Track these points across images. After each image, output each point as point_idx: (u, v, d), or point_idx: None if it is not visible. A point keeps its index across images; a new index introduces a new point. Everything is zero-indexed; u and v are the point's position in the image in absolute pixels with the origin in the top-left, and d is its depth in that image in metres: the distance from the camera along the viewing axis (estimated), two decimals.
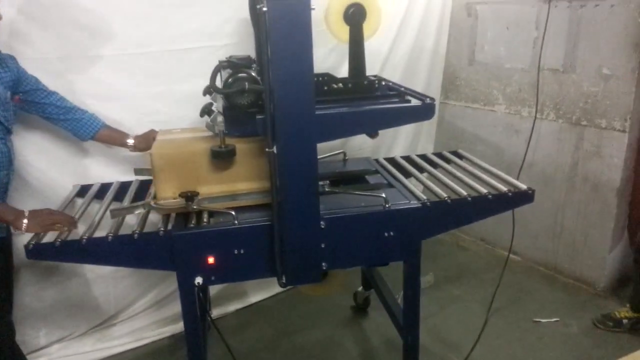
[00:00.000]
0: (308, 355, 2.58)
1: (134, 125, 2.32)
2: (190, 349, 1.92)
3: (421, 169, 2.43)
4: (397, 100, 1.98)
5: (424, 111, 1.89)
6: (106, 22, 2.27)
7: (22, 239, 1.86)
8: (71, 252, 1.79)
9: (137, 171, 2.25)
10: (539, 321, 2.73)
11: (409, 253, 1.97)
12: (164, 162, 1.82)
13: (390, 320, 2.35)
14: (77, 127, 2.17)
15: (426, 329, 2.55)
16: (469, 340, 2.52)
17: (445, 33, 3.46)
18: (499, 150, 3.33)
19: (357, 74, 2.08)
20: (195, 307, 1.86)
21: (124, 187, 2.24)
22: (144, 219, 1.92)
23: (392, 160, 2.50)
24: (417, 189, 2.12)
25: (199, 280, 1.80)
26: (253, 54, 2.11)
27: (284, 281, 1.86)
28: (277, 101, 1.64)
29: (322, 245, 1.85)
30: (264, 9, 1.56)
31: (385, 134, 3.28)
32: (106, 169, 2.43)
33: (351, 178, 2.28)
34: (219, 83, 1.81)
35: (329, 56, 2.84)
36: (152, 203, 1.88)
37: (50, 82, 2.13)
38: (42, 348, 2.51)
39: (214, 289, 2.76)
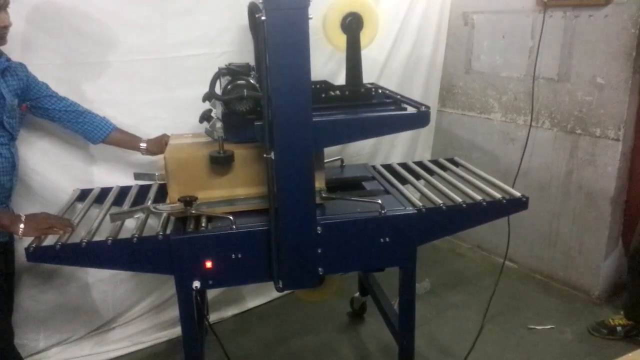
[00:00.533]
0: None
1: (133, 131, 2.32)
2: (188, 353, 1.94)
3: (418, 176, 2.46)
4: (393, 107, 2.01)
5: (420, 119, 1.92)
6: (108, 30, 2.30)
7: (24, 244, 1.88)
8: (71, 255, 1.80)
9: (137, 176, 2.27)
10: (534, 328, 2.74)
11: (405, 259, 1.99)
12: (177, 167, 1.85)
13: (386, 326, 2.37)
14: (88, 130, 2.19)
15: (422, 335, 2.57)
16: (464, 347, 2.54)
17: (442, 42, 3.50)
18: (495, 158, 3.36)
19: (354, 81, 2.11)
20: (192, 311, 1.88)
21: (123, 191, 2.26)
22: (144, 223, 1.94)
23: (389, 167, 2.53)
24: (414, 196, 2.14)
25: (196, 284, 1.82)
26: (252, 62, 2.14)
27: (280, 286, 1.88)
28: (275, 108, 1.67)
29: (319, 251, 1.87)
30: (263, 18, 1.59)
31: (383, 141, 3.33)
32: (109, 173, 2.45)
33: (348, 184, 2.30)
34: (218, 90, 1.84)
35: (327, 64, 2.88)
36: (151, 207, 1.91)
37: (52, 88, 2.15)
38: (40, 351, 2.52)
39: (211, 294, 2.77)
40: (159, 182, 2.24)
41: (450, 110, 3.63)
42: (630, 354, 1.30)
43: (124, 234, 1.88)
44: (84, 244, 1.78)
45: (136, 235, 1.82)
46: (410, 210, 1.97)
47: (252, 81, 1.81)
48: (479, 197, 2.08)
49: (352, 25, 2.04)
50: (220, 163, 1.85)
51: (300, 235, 1.82)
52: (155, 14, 2.39)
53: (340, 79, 2.64)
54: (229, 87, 1.79)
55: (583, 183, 2.92)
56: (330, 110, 1.90)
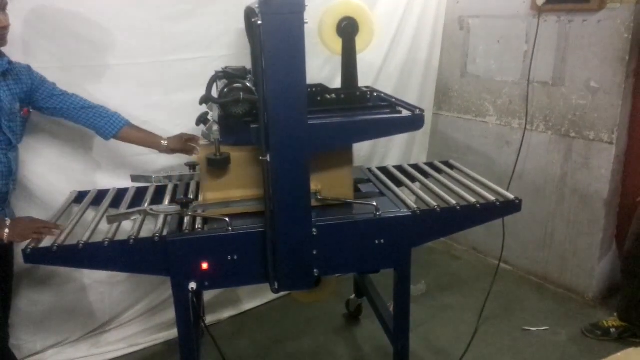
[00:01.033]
0: None
1: None
2: (184, 355, 1.94)
3: (413, 179, 2.47)
4: (388, 111, 2.02)
5: (414, 122, 1.93)
6: (106, 33, 2.32)
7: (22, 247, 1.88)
8: (68, 257, 1.81)
9: (134, 178, 2.28)
10: (529, 330, 2.76)
11: (399, 260, 2.00)
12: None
13: (382, 328, 2.38)
14: (100, 125, 2.14)
15: (417, 337, 2.59)
16: (459, 348, 2.55)
17: (438, 46, 3.52)
18: (490, 161, 3.38)
19: (349, 85, 2.13)
20: (189, 312, 1.89)
21: (120, 193, 2.26)
22: (140, 225, 1.95)
23: (384, 170, 2.54)
24: (409, 198, 2.16)
25: (192, 285, 1.83)
26: (248, 65, 2.16)
27: (276, 287, 1.89)
28: (271, 111, 1.68)
29: (314, 252, 1.88)
30: (259, 22, 1.61)
31: (379, 144, 3.35)
32: (109, 176, 2.47)
33: None
34: (215, 93, 1.86)
35: (324, 68, 2.90)
36: (148, 209, 1.92)
37: None
38: (36, 353, 2.53)
39: (208, 296, 2.78)
40: (155, 184, 2.25)
41: (446, 113, 3.66)
42: (619, 354, 1.32)
43: (121, 236, 1.89)
44: (80, 245, 1.79)
45: (133, 237, 1.83)
46: (405, 212, 1.98)
47: (248, 84, 1.83)
48: (473, 200, 2.10)
49: (348, 29, 2.07)
50: (217, 165, 1.86)
51: (296, 236, 1.83)
52: (153, 18, 2.40)
53: (336, 83, 2.66)
54: (225, 90, 1.80)
55: (577, 186, 2.95)
56: (325, 114, 1.92)
